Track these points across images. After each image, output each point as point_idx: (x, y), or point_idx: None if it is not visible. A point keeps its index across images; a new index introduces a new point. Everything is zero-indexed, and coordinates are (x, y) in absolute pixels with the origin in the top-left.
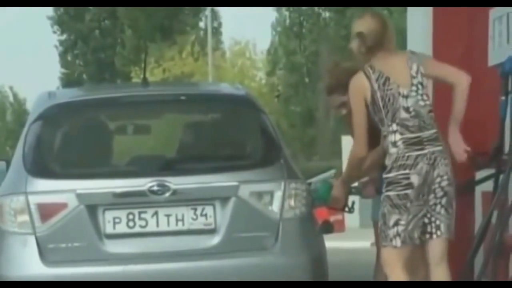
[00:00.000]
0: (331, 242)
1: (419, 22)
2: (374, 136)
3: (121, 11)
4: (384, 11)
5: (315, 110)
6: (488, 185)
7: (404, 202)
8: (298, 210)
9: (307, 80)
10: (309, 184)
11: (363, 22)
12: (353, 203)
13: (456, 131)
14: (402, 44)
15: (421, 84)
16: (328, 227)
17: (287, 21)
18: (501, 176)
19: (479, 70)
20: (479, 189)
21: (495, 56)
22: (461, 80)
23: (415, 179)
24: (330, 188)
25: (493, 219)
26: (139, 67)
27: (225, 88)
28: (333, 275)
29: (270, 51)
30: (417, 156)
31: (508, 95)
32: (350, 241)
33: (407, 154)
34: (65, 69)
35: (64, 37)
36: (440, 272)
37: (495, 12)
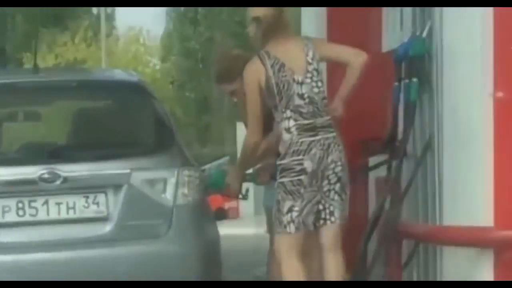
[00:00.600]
0: (225, 229)
1: (313, 9)
2: (268, 123)
3: None
4: None
5: (209, 96)
6: (382, 171)
7: (298, 188)
8: (191, 198)
9: (201, 66)
10: (203, 170)
11: (261, 8)
12: (247, 190)
13: (339, 104)
14: (296, 28)
15: (316, 70)
16: (222, 214)
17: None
18: (394, 163)
19: (373, 55)
20: (373, 175)
21: (389, 42)
22: (355, 58)
23: (308, 165)
24: (225, 174)
25: (386, 205)
26: (31, 52)
27: (118, 74)
28: (227, 262)
29: (164, 37)
30: (310, 142)
31: (401, 81)
32: (244, 228)
33: (300, 140)
34: None
35: None
36: (333, 258)
37: None
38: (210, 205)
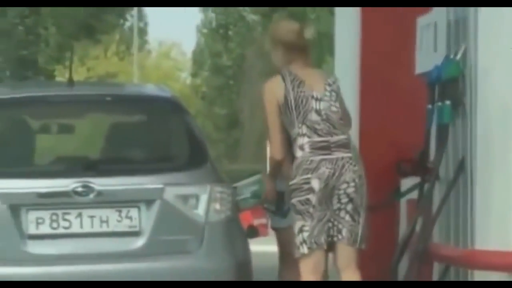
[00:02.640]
0: (255, 246)
1: (346, 28)
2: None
3: (45, 8)
4: (312, 15)
5: (240, 112)
6: (413, 193)
7: (307, 207)
8: (224, 214)
9: (232, 82)
10: (235, 188)
11: (283, 28)
12: (288, 208)
13: None
14: (329, 48)
15: (336, 93)
16: (253, 232)
17: (213, 23)
18: (426, 185)
19: (405, 78)
20: (403, 197)
21: (422, 64)
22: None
23: (315, 184)
24: (258, 194)
25: (418, 227)
26: (63, 65)
27: (151, 89)
28: (258, 279)
29: (196, 52)
30: (320, 160)
31: (434, 103)
32: (273, 245)
33: (310, 158)
34: None
35: None
36: (347, 278)
37: (422, 20)
38: (241, 222)
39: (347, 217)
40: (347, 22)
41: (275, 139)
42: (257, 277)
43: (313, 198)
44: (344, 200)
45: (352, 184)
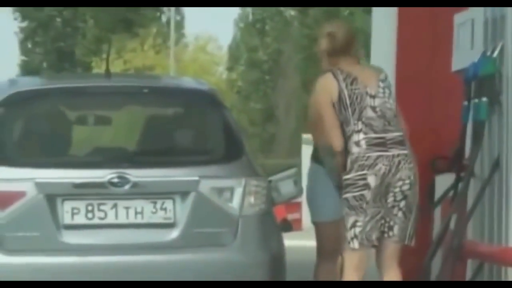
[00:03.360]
0: (289, 241)
1: (383, 25)
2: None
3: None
4: (345, 12)
5: (275, 107)
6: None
7: (360, 203)
8: (258, 208)
9: (267, 77)
10: (270, 181)
11: (334, 24)
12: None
13: None
14: (365, 46)
15: (389, 89)
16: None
17: (250, 17)
18: (461, 182)
19: (442, 74)
20: (438, 194)
21: (459, 61)
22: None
23: (372, 180)
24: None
25: (452, 224)
26: (100, 57)
27: (188, 82)
28: (289, 275)
29: (232, 46)
30: (377, 157)
31: (470, 101)
32: (307, 240)
33: (367, 155)
34: (25, 56)
35: (25, 24)
36: (388, 276)
37: (459, 18)
38: (276, 216)
39: (400, 214)
40: (383, 21)
41: (335, 132)
42: (290, 271)
43: (368, 194)
44: (399, 197)
45: (407, 181)
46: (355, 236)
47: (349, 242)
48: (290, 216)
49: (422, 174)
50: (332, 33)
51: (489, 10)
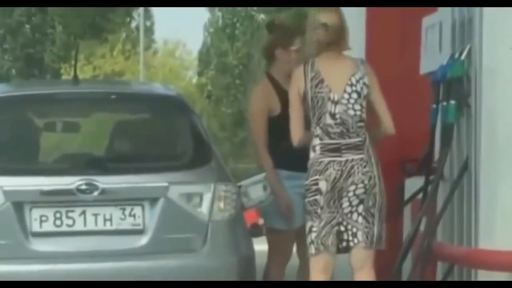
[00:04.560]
0: (259, 246)
1: (352, 30)
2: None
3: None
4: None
5: (245, 111)
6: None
7: (315, 208)
8: (228, 213)
9: (238, 82)
10: (239, 186)
11: (328, 14)
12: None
13: None
14: None
15: (358, 93)
16: (257, 231)
17: (220, 22)
18: (430, 184)
19: (410, 78)
20: (408, 197)
21: (427, 64)
22: (390, 126)
23: (323, 185)
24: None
25: (422, 227)
26: (69, 63)
27: (156, 88)
28: (260, 279)
29: (202, 51)
30: (329, 162)
31: (439, 103)
32: None
33: (320, 160)
34: None
35: None
36: (361, 278)
37: (427, 20)
38: (245, 221)
39: (360, 219)
40: (352, 23)
41: (296, 124)
42: (260, 276)
43: (320, 199)
44: (355, 202)
45: (361, 185)
46: (312, 242)
47: (307, 247)
48: (261, 221)
49: (392, 177)
50: (326, 24)
51: (456, 12)
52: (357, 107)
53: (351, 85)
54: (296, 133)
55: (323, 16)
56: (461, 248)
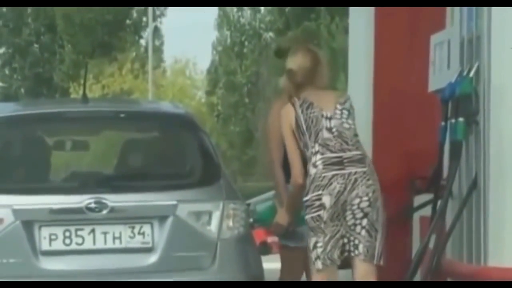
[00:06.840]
0: (268, 264)
1: (360, 48)
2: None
3: (60, 25)
4: (325, 32)
5: (254, 130)
6: (426, 210)
7: (318, 224)
8: (236, 231)
9: (247, 100)
10: (248, 204)
11: (295, 59)
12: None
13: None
14: (344, 65)
15: (348, 111)
16: (266, 249)
17: (228, 40)
18: (439, 201)
19: (419, 95)
20: (417, 214)
21: (436, 81)
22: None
23: (326, 200)
24: (272, 210)
25: (431, 244)
26: (78, 82)
27: (165, 106)
28: None
29: (211, 70)
30: (332, 176)
31: (447, 121)
32: None
33: (323, 175)
34: (2, 82)
35: (1, 50)
36: None
37: (436, 38)
38: (254, 239)
39: (363, 232)
40: (360, 39)
41: (294, 165)
42: None
43: (324, 214)
44: (359, 215)
45: (365, 198)
46: (318, 257)
47: (313, 263)
48: (270, 239)
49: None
50: (291, 71)
51: (465, 30)
52: (350, 121)
53: (340, 103)
54: (299, 173)
55: (291, 61)
56: (470, 266)
